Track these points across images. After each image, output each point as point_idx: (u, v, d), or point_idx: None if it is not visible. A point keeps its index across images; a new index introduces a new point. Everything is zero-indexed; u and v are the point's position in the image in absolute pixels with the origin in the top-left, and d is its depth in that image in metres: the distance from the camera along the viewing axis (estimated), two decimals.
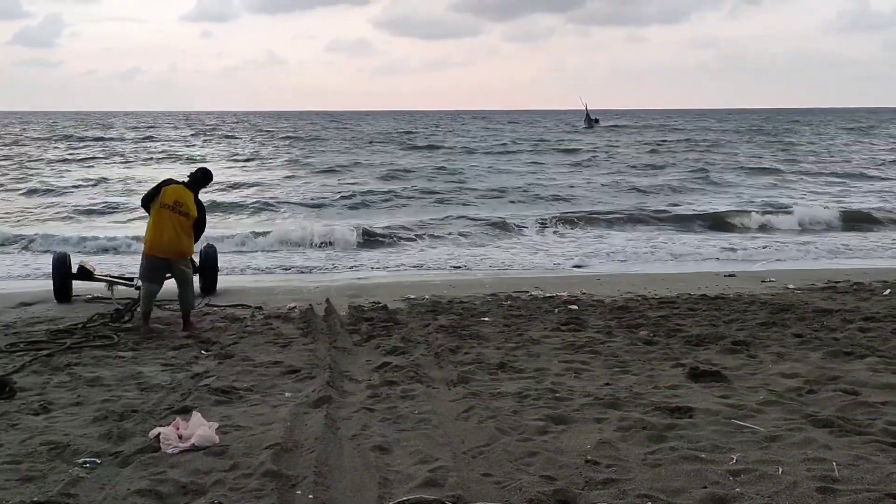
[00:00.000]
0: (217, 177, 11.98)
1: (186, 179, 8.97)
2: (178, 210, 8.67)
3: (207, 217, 9.21)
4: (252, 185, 29.99)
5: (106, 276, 10.99)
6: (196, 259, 10.39)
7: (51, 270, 11.04)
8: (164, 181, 9.01)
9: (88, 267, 11.08)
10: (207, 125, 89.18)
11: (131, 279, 10.86)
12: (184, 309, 9.06)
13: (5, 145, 54.32)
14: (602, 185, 29.82)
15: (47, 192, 28.13)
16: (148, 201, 8.86)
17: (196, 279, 10.19)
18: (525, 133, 71.83)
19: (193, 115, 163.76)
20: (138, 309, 9.17)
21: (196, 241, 9.11)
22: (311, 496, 4.22)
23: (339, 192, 27.37)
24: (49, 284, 11.14)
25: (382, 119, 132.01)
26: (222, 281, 11.72)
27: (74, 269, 10.77)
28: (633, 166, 37.67)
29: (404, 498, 4.09)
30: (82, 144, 54.97)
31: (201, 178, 9.00)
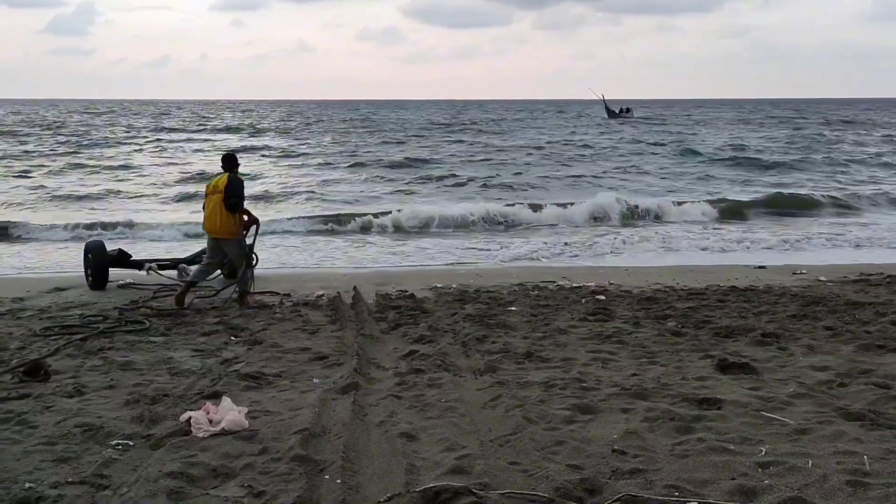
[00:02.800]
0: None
1: (235, 171, 9.91)
2: (213, 193, 9.70)
3: None
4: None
5: (143, 260, 11.37)
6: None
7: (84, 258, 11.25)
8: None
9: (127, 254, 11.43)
10: (274, 119, 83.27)
11: (166, 262, 11.40)
12: (238, 288, 9.78)
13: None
14: None
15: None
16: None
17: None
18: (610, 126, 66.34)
19: (238, 105, 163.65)
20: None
21: (235, 211, 9.64)
22: (339, 481, 4.26)
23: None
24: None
25: (421, 108, 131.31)
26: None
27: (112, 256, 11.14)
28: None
29: (431, 484, 4.11)
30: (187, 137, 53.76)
31: (226, 160, 9.99)
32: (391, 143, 46.94)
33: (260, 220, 10.29)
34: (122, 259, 11.36)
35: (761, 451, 4.61)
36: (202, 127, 66.71)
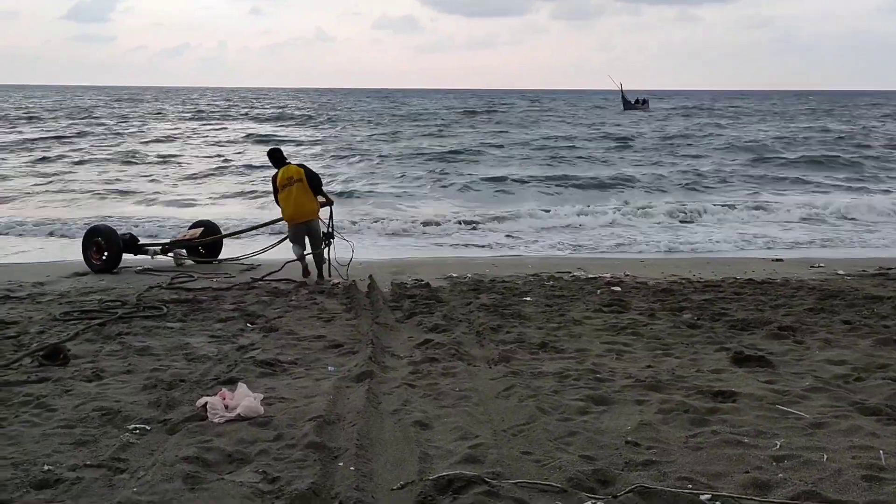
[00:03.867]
0: None
1: (288, 161, 11.21)
2: (290, 183, 10.81)
3: None
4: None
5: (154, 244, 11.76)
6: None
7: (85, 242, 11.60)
8: (273, 177, 11.15)
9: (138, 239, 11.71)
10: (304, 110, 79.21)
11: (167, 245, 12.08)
12: (317, 262, 11.02)
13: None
14: None
15: None
16: (276, 194, 11.09)
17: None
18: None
19: (261, 93, 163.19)
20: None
21: (318, 193, 11.02)
22: (352, 468, 4.28)
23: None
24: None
25: (443, 97, 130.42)
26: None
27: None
28: None
29: (444, 473, 4.13)
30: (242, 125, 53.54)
31: (278, 153, 11.31)
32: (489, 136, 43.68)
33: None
34: (132, 244, 11.72)
35: (776, 444, 4.59)
36: (250, 116, 65.43)
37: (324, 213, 11.26)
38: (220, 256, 12.46)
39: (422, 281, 10.40)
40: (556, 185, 24.83)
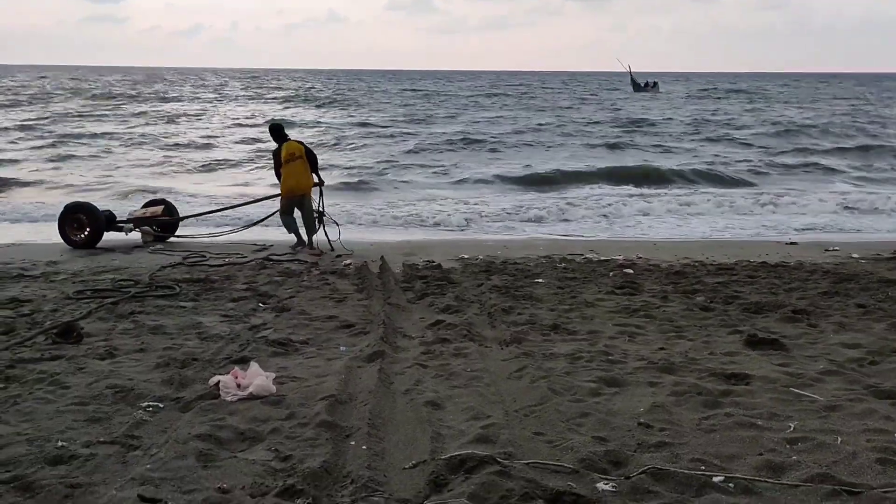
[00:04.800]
0: None
1: (289, 138, 12.09)
2: (293, 159, 11.62)
3: None
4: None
5: (129, 221, 12.24)
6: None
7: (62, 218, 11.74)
8: (275, 151, 11.94)
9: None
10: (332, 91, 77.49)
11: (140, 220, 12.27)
12: (309, 233, 11.75)
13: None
14: None
15: None
16: (278, 168, 11.79)
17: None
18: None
19: (281, 74, 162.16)
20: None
21: (314, 170, 11.87)
22: (364, 447, 4.29)
23: None
24: (114, 237, 11.84)
25: (465, 79, 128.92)
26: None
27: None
28: None
29: (456, 453, 4.13)
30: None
31: (280, 129, 12.20)
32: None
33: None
34: (111, 221, 11.95)
35: (790, 427, 4.57)
36: (277, 97, 64.37)
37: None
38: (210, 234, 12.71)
39: (433, 262, 10.39)
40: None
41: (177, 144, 30.81)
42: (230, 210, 14.25)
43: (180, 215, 13.04)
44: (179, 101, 58.42)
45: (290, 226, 11.87)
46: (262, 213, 13.25)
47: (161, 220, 12.46)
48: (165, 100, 59.49)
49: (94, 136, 32.39)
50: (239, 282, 9.11)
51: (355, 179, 21.70)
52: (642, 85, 78.29)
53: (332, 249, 11.42)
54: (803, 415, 4.78)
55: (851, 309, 7.79)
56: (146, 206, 13.01)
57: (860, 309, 7.77)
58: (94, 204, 12.31)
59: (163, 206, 12.72)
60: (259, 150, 28.14)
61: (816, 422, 4.65)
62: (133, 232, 12.16)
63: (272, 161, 12.20)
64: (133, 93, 67.10)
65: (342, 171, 23.35)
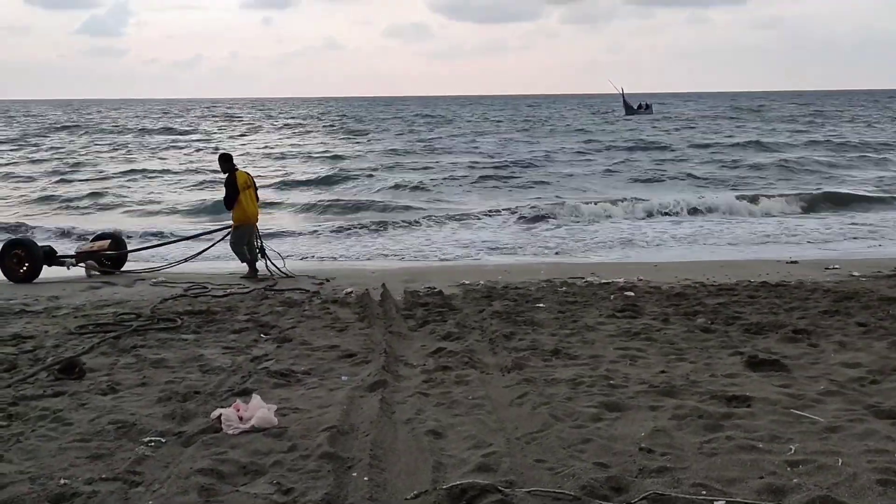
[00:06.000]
0: None
1: (237, 167, 12.29)
2: (248, 187, 12.10)
3: None
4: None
5: (72, 256, 12.62)
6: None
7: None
8: (228, 179, 12.07)
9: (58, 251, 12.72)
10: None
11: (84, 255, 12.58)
12: (254, 261, 12.11)
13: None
14: None
15: None
16: (234, 195, 11.97)
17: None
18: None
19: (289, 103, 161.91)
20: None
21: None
22: (366, 478, 4.29)
23: None
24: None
25: (474, 104, 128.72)
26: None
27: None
28: None
29: (458, 482, 4.13)
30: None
31: (229, 160, 12.35)
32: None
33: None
34: (51, 256, 12.25)
35: (790, 449, 4.57)
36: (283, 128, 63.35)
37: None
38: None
39: (434, 289, 10.42)
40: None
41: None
42: (183, 242, 14.49)
43: (127, 249, 13.43)
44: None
45: (244, 255, 12.11)
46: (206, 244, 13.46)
47: (106, 254, 12.79)
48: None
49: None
50: (240, 313, 9.14)
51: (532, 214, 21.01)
52: (635, 107, 77.09)
53: (287, 275, 11.80)
54: (804, 436, 4.78)
55: (852, 328, 7.79)
56: (94, 239, 13.39)
57: (861, 328, 7.78)
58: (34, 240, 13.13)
59: (109, 241, 13.09)
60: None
61: (817, 443, 4.65)
62: (77, 266, 12.48)
63: (224, 189, 12.31)
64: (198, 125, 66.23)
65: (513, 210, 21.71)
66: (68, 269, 12.44)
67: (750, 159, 34.40)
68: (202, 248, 13.21)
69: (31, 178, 31.78)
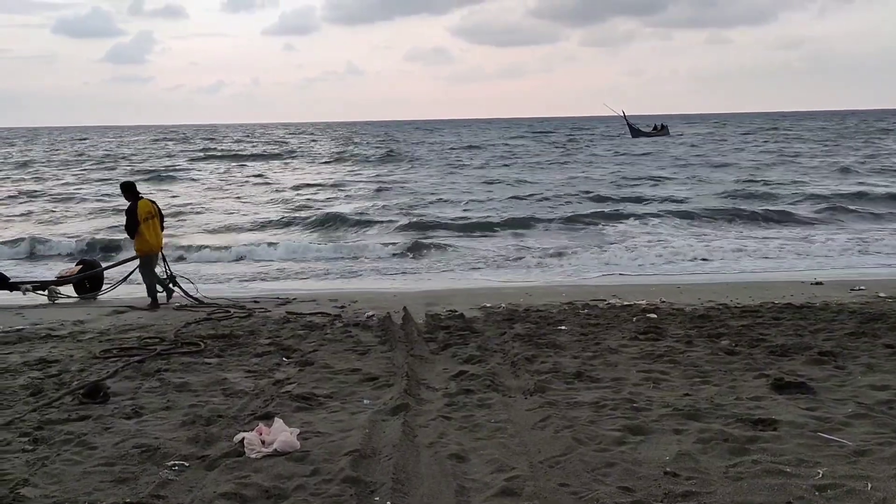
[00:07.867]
0: None
1: (142, 196, 12.22)
2: (151, 216, 12.00)
3: None
4: None
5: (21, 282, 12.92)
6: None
7: None
8: (129, 208, 11.91)
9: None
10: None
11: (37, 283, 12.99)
12: (167, 288, 12.23)
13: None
14: None
15: None
16: (135, 226, 11.84)
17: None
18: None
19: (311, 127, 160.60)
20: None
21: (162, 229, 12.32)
22: (389, 502, 4.28)
23: None
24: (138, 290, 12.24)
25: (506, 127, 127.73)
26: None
27: None
28: None
29: None
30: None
31: (132, 188, 12.23)
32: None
33: None
34: (2, 281, 12.64)
35: (818, 473, 4.50)
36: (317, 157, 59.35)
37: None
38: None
39: (456, 312, 10.41)
40: None
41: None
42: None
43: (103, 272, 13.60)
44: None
45: (155, 286, 11.98)
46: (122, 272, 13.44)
47: (65, 280, 13.02)
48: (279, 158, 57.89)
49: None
50: (263, 336, 9.18)
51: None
52: (643, 130, 73.75)
53: (200, 301, 11.83)
54: (832, 460, 4.71)
55: (879, 349, 7.69)
56: (77, 264, 13.75)
57: (888, 349, 7.67)
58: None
59: (80, 266, 13.37)
60: None
61: (846, 467, 4.58)
62: (36, 293, 12.73)
63: (126, 218, 12.08)
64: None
65: None
66: (24, 294, 12.68)
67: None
68: (122, 277, 13.19)
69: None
